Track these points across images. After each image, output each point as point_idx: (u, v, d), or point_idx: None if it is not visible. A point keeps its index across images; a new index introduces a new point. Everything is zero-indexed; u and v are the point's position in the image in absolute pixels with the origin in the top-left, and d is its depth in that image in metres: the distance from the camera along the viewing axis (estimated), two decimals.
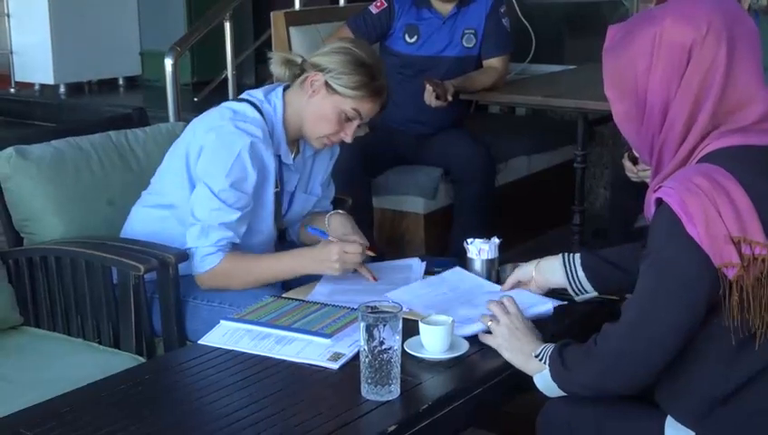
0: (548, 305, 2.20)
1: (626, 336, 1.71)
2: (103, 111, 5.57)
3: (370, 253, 2.44)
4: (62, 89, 6.54)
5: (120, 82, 6.88)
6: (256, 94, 2.55)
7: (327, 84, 2.44)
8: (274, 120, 2.51)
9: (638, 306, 1.69)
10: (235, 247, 2.45)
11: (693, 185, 1.58)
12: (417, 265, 2.56)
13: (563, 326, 2.20)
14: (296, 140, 2.58)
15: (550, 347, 1.89)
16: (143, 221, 2.61)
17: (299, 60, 2.53)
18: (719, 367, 1.67)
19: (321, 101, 2.46)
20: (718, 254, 1.56)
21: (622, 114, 1.75)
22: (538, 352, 1.90)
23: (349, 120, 2.48)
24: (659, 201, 1.63)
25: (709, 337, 1.66)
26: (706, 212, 1.56)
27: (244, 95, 2.57)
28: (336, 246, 2.39)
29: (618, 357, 1.73)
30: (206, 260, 2.42)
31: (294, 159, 2.59)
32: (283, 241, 2.73)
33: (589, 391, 1.83)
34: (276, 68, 2.55)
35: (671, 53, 1.64)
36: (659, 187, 1.65)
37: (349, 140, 2.52)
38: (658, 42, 1.65)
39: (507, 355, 1.97)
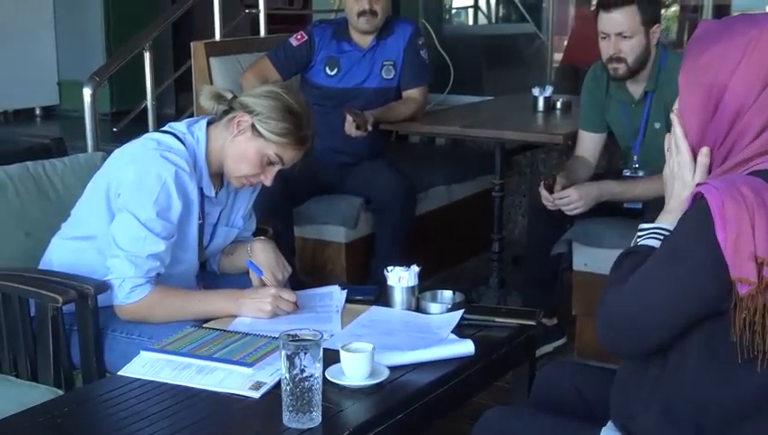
0: (469, 346, 2.21)
1: (626, 296, 1.66)
2: (20, 142, 5.48)
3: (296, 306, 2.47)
4: None
5: (37, 111, 6.78)
6: (179, 127, 2.55)
7: (253, 127, 2.45)
8: (197, 153, 2.51)
9: (645, 272, 1.64)
10: (160, 278, 2.45)
11: (738, 193, 1.55)
12: (337, 292, 2.59)
13: (489, 361, 2.26)
14: (220, 174, 2.59)
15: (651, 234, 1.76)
16: (62, 252, 2.58)
17: (229, 96, 2.54)
18: (713, 389, 1.64)
19: (246, 142, 2.47)
20: (737, 267, 1.53)
21: (689, 105, 1.70)
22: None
23: (271, 164, 2.49)
24: (699, 195, 1.59)
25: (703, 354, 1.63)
26: (740, 224, 1.53)
27: (166, 127, 2.57)
28: (272, 291, 2.44)
29: (613, 314, 1.68)
30: (136, 291, 2.40)
31: (218, 192, 2.60)
32: (203, 270, 2.73)
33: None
34: (205, 101, 2.55)
35: (763, 59, 1.62)
36: (704, 183, 1.61)
37: (268, 183, 2.53)
38: (754, 45, 1.62)
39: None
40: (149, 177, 2.40)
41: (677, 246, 1.62)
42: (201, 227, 2.57)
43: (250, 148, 2.47)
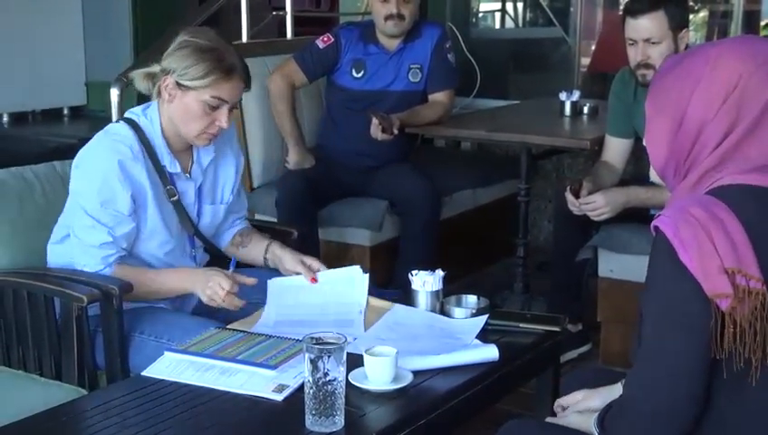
0: (493, 351, 2.20)
1: (641, 382, 1.64)
2: (47, 142, 5.51)
3: (248, 282, 2.45)
4: (5, 118, 6.45)
5: (65, 112, 6.81)
6: (135, 110, 2.57)
7: (178, 84, 2.45)
8: (152, 133, 2.52)
9: (646, 347, 1.63)
10: (123, 260, 2.49)
11: (689, 215, 1.56)
12: (359, 276, 2.57)
13: (513, 367, 2.25)
14: (189, 149, 2.60)
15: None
16: (53, 257, 2.61)
17: (157, 69, 2.53)
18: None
19: (180, 101, 2.47)
20: (710, 284, 1.53)
21: (656, 130, 1.72)
22: None
23: (215, 108, 2.48)
24: (656, 229, 1.61)
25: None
26: (700, 242, 1.53)
27: (126, 113, 2.60)
28: (209, 274, 2.44)
29: (641, 405, 1.64)
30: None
31: (191, 168, 2.60)
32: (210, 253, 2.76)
33: None
34: (140, 84, 2.57)
35: (721, 76, 1.64)
36: (658, 215, 1.63)
37: (225, 126, 2.50)
38: (713, 63, 1.65)
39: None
40: (91, 169, 2.46)
41: (657, 291, 1.60)
42: (178, 204, 2.57)
43: (187, 104, 2.47)
